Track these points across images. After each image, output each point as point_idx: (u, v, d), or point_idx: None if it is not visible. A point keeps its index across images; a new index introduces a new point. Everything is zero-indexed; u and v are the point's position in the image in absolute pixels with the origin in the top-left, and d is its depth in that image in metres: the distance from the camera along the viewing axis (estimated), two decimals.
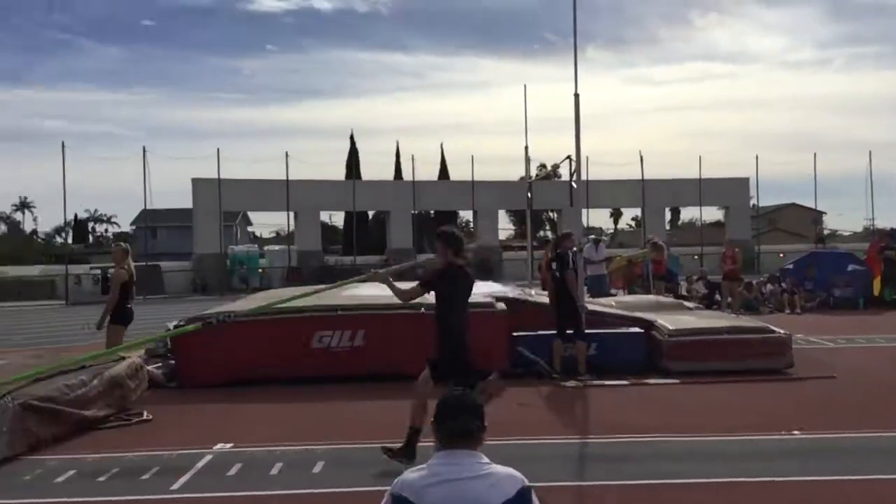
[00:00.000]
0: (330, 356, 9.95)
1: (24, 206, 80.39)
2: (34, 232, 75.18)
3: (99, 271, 32.02)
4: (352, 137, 55.22)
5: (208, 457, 6.38)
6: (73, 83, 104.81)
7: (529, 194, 19.31)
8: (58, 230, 69.62)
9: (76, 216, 76.19)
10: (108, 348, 9.53)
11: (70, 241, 55.03)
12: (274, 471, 5.97)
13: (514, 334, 10.24)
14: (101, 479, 5.86)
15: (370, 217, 52.08)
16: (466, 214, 57.90)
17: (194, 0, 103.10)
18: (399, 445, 5.92)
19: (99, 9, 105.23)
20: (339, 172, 50.70)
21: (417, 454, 5.71)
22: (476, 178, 40.03)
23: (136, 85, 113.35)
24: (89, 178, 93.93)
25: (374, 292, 12.19)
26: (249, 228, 64.68)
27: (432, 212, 48.14)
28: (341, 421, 7.82)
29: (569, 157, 12.47)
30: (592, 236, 18.75)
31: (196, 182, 36.54)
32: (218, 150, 35.36)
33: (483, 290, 12.20)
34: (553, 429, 7.37)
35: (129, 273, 10.23)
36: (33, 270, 35.97)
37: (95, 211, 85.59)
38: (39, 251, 54.88)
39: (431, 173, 47.99)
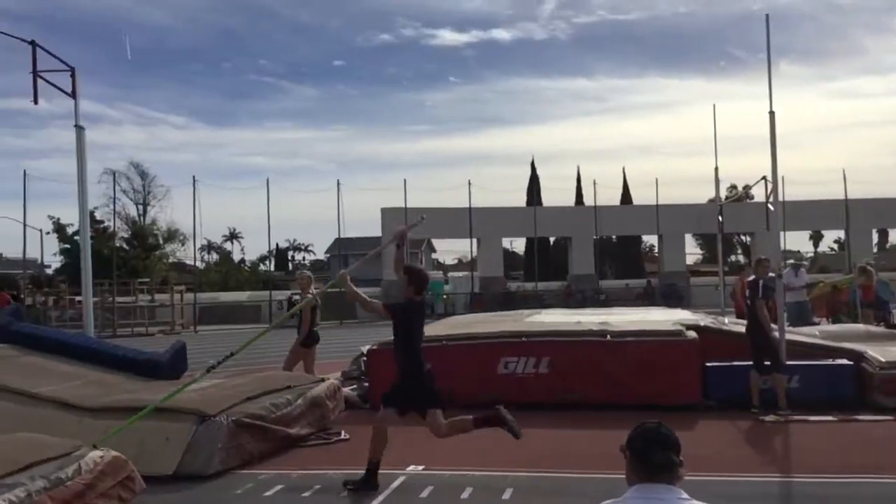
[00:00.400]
0: (515, 382, 10.01)
1: (233, 236, 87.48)
2: (242, 260, 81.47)
3: (297, 296, 34.17)
4: (532, 164, 55.64)
5: (401, 478, 6.60)
6: (276, 122, 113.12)
7: (720, 217, 18.52)
8: (262, 258, 75.09)
9: (277, 245, 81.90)
10: (285, 367, 10.59)
11: (272, 268, 59.07)
12: (465, 495, 6.08)
13: (707, 365, 9.82)
14: (306, 494, 6.23)
15: (551, 243, 52.00)
16: (650, 239, 56.45)
17: (381, 40, 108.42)
18: (359, 478, 6.23)
19: (297, 53, 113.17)
20: (520, 199, 51.12)
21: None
22: (661, 202, 38.94)
23: (332, 122, 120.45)
24: (289, 210, 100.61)
25: (558, 319, 12.16)
26: (433, 255, 66.57)
27: (614, 237, 47.32)
28: (529, 448, 7.81)
29: (764, 177, 11.90)
30: (791, 261, 17.69)
31: (385, 211, 38.18)
32: (405, 180, 36.89)
33: (671, 317, 11.82)
34: (753, 466, 6.97)
35: (314, 298, 10.97)
36: (242, 296, 38.98)
37: (294, 240, 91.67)
38: (247, 278, 59.36)
39: (613, 198, 47.27)
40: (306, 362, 10.85)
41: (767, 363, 9.34)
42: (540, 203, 47.90)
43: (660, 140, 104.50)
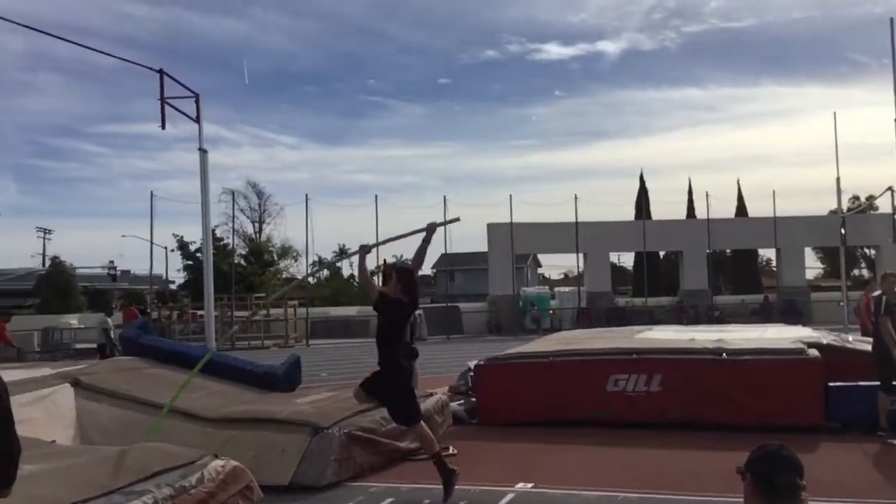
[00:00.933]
0: (625, 400, 9.82)
1: (343, 252, 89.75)
2: (351, 276, 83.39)
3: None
4: (641, 177, 54.57)
5: (510, 495, 6.58)
6: (384, 140, 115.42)
7: (843, 230, 17.68)
8: (371, 274, 76.58)
9: (385, 261, 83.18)
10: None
11: (380, 283, 60.11)
12: None
13: (830, 385, 9.35)
14: None
15: (661, 257, 50.79)
16: (768, 252, 54.28)
17: (486, 56, 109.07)
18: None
19: (405, 73, 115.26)
20: (628, 213, 50.21)
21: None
22: (778, 214, 37.44)
23: (438, 139, 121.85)
24: (397, 225, 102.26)
25: (670, 336, 11.86)
26: (539, 270, 66.18)
27: (728, 251, 45.75)
28: (640, 468, 7.65)
29: (890, 188, 11.28)
30: None
31: (490, 227, 38.30)
32: (510, 196, 36.96)
33: (791, 335, 11.33)
34: (882, 492, 6.59)
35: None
36: (352, 311, 39.87)
37: (401, 255, 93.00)
38: (356, 293, 60.73)
39: (727, 210, 45.75)
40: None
41: None
42: (649, 216, 46.95)
43: (776, 150, 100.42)
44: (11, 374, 7.15)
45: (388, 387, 6.64)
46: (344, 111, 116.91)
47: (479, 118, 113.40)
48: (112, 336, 20.49)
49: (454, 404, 10.44)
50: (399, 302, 6.64)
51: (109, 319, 21.91)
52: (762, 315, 34.83)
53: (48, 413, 7.55)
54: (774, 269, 45.08)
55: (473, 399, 10.89)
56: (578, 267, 41.24)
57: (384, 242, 7.21)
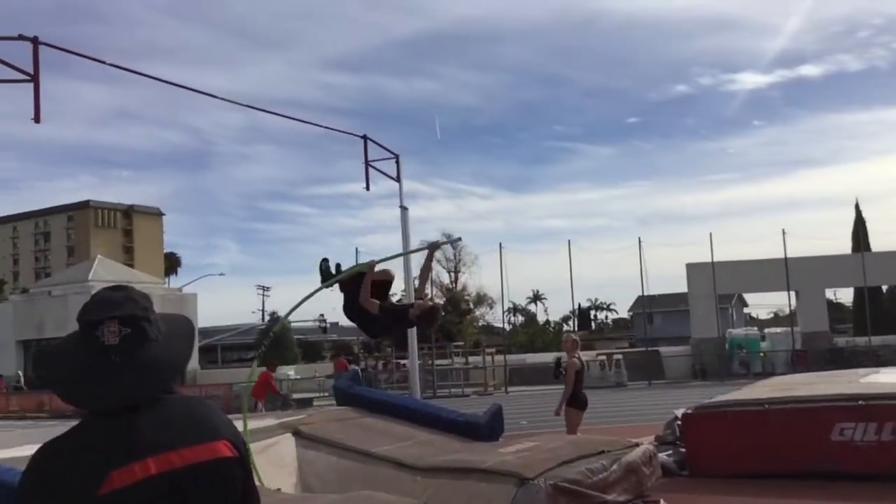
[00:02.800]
0: (853, 451, 9.02)
1: (536, 298, 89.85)
2: (547, 321, 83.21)
3: (603, 356, 34.08)
4: (857, 205, 50.55)
5: None
6: (573, 184, 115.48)
7: None
8: (565, 319, 76.01)
9: (580, 305, 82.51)
10: (568, 432, 10.47)
11: (576, 328, 59.53)
12: None
13: None
14: None
15: (884, 291, 46.48)
16: None
17: (676, 91, 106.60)
18: None
19: (590, 115, 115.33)
20: (843, 245, 46.55)
21: None
22: None
23: (628, 178, 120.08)
24: (590, 269, 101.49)
25: None
26: (745, 310, 62.62)
27: None
28: None
29: None
30: None
31: (690, 267, 36.91)
32: (710, 234, 35.49)
33: None
34: None
35: (580, 361, 10.91)
36: (548, 357, 39.67)
37: (596, 299, 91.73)
38: (552, 339, 60.44)
39: None
40: (575, 425, 10.83)
41: None
42: (868, 248, 43.20)
43: None
44: (251, 424, 7.79)
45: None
46: (532, 158, 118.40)
47: (672, 155, 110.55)
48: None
49: (662, 455, 10.05)
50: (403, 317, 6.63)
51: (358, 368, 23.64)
52: None
53: (273, 462, 8.11)
54: None
55: (682, 449, 10.45)
56: (790, 305, 38.61)
57: (388, 259, 7.07)
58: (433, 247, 7.11)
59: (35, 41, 6.28)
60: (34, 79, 6.15)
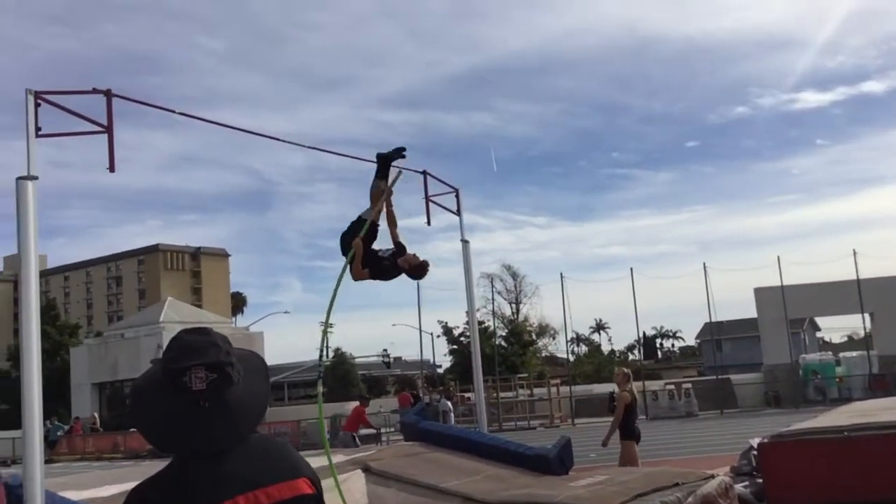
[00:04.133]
0: None
1: (600, 327, 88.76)
2: (611, 351, 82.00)
3: (672, 386, 33.39)
4: None
5: None
6: (633, 210, 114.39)
7: None
8: (630, 348, 74.88)
9: (644, 334, 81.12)
10: (621, 464, 10.40)
11: (641, 357, 58.48)
12: None
13: None
14: None
15: None
16: None
17: (735, 113, 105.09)
18: None
19: (648, 141, 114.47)
20: None
21: None
22: None
23: (690, 203, 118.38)
24: (654, 296, 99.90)
25: None
26: (818, 334, 60.67)
27: None
28: None
29: None
30: None
31: (758, 291, 36.03)
32: (778, 257, 34.62)
33: None
34: None
35: (632, 395, 10.84)
36: (612, 387, 39.10)
37: (661, 327, 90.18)
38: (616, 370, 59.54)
39: None
40: (631, 458, 10.64)
41: None
42: None
43: None
44: (317, 461, 7.85)
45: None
46: (590, 186, 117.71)
47: (734, 177, 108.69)
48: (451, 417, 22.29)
49: (739, 486, 9.77)
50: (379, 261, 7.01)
51: (449, 403, 23.80)
52: None
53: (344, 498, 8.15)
54: None
55: (759, 480, 10.13)
56: (865, 328, 37.28)
57: (374, 211, 7.22)
58: (381, 194, 7.30)
59: (108, 94, 6.54)
60: (108, 130, 6.40)
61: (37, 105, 6.09)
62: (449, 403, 26.81)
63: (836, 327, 71.11)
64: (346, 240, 7.25)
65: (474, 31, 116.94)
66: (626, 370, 11.94)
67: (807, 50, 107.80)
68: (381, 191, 7.38)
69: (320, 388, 7.15)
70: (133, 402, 1.74)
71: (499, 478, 9.09)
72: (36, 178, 5.94)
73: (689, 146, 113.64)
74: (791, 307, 34.45)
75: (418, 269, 7.15)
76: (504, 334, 55.21)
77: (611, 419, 11.79)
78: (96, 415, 40.97)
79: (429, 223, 10.22)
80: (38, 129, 6.07)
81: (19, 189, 5.89)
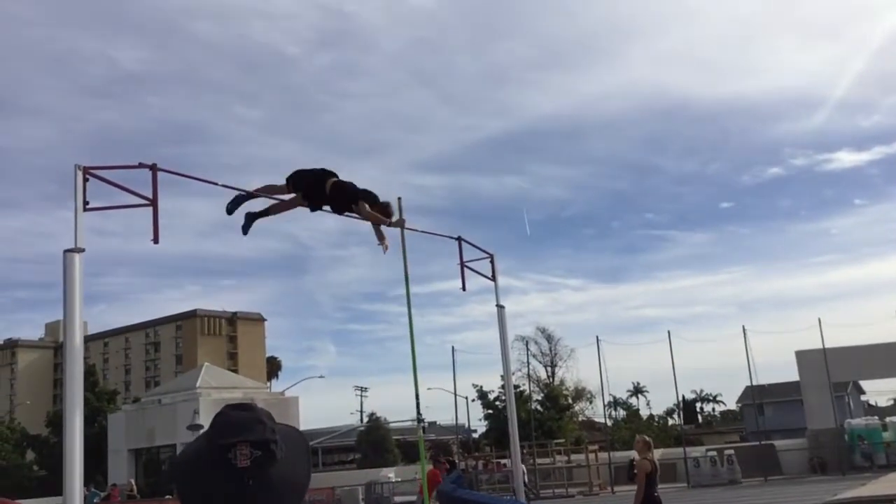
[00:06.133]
0: None
1: (637, 391, 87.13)
2: (650, 416, 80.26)
3: (714, 452, 32.58)
4: None
5: None
6: (668, 272, 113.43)
7: None
8: (669, 412, 73.29)
9: (683, 397, 79.40)
10: None
11: (681, 422, 57.19)
12: None
13: None
14: None
15: None
16: None
17: (770, 174, 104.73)
18: None
19: (682, 202, 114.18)
20: None
21: None
22: None
23: (727, 264, 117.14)
24: (692, 358, 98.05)
25: None
26: (863, 398, 58.93)
27: None
28: None
29: None
30: None
31: (800, 354, 35.28)
32: (819, 319, 33.96)
33: None
34: None
35: (652, 463, 10.73)
36: (655, 454, 38.27)
37: (701, 391, 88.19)
38: (657, 434, 58.18)
39: None
40: None
41: None
42: None
43: None
44: None
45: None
46: (624, 248, 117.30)
47: (770, 238, 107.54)
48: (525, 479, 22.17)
49: None
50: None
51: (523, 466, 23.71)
52: None
53: None
54: None
55: None
56: None
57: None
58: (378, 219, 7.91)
59: (154, 168, 6.77)
60: (153, 203, 6.60)
61: (85, 180, 6.32)
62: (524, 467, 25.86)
63: (882, 390, 69.08)
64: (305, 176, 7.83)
65: (505, 95, 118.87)
66: (646, 438, 11.82)
67: (839, 109, 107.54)
68: (371, 215, 7.87)
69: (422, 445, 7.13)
70: (175, 477, 1.77)
71: None
72: (83, 250, 6.14)
73: (723, 207, 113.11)
74: (834, 370, 33.63)
75: (384, 211, 7.82)
76: (540, 398, 54.51)
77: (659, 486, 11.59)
78: (132, 481, 40.90)
79: (464, 288, 10.31)
80: (86, 202, 6.29)
81: (66, 261, 6.07)
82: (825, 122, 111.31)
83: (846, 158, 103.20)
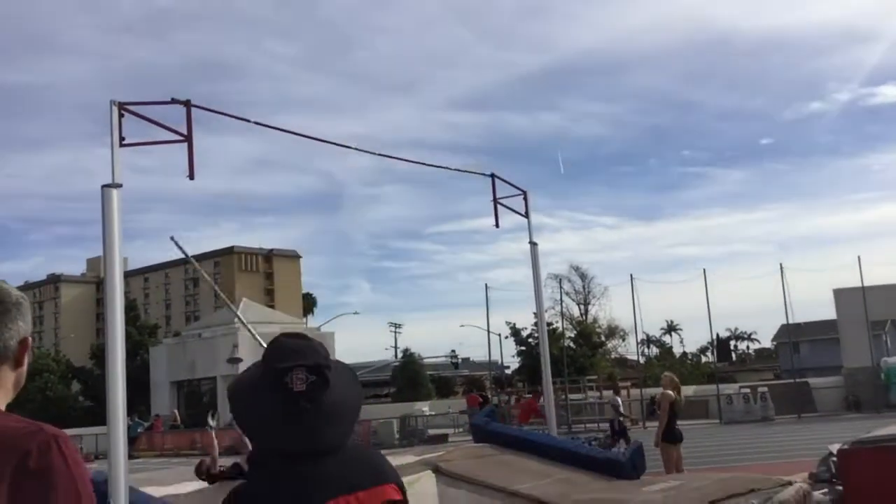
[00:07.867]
0: None
1: (671, 328, 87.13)
2: (684, 353, 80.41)
3: (747, 389, 32.64)
4: None
5: None
6: (705, 210, 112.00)
7: None
8: (702, 350, 73.30)
9: (718, 335, 79.22)
10: (665, 468, 10.09)
11: (716, 359, 57.19)
12: None
13: None
14: None
15: None
16: None
17: (811, 109, 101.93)
18: None
19: (721, 139, 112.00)
20: None
21: None
22: None
23: (764, 202, 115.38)
24: (727, 297, 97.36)
25: None
26: None
27: None
28: None
29: None
30: None
31: (838, 292, 34.84)
32: (858, 257, 33.39)
33: None
34: None
35: (676, 396, 11.27)
36: (687, 390, 38.31)
37: (736, 329, 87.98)
38: (690, 372, 58.33)
39: None
40: (672, 460, 10.56)
41: None
42: None
43: None
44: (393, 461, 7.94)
45: None
46: (660, 185, 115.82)
47: (810, 175, 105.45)
48: (621, 411, 21.85)
49: (817, 494, 9.49)
50: None
51: (619, 398, 23.88)
52: None
53: (415, 500, 8.22)
54: None
55: (839, 488, 9.81)
56: None
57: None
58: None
59: (188, 104, 6.76)
60: (188, 139, 6.61)
61: (120, 116, 6.33)
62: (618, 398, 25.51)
63: None
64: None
65: (543, 30, 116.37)
66: (670, 374, 12.12)
67: (886, 43, 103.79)
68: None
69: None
70: (234, 402, 1.80)
71: (569, 481, 9.04)
72: (120, 185, 6.19)
73: (763, 143, 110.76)
74: (872, 308, 33.20)
75: None
76: (572, 336, 54.78)
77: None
78: (176, 412, 42.25)
79: (497, 225, 10.26)
80: (121, 138, 6.31)
81: (104, 196, 6.13)
82: (870, 55, 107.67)
83: (890, 93, 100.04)
